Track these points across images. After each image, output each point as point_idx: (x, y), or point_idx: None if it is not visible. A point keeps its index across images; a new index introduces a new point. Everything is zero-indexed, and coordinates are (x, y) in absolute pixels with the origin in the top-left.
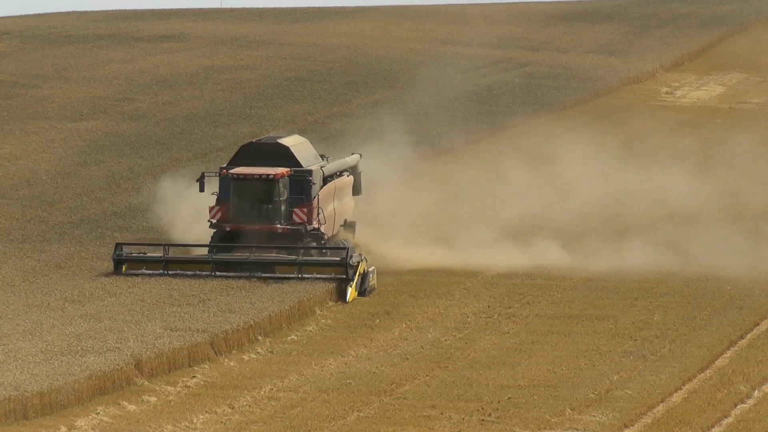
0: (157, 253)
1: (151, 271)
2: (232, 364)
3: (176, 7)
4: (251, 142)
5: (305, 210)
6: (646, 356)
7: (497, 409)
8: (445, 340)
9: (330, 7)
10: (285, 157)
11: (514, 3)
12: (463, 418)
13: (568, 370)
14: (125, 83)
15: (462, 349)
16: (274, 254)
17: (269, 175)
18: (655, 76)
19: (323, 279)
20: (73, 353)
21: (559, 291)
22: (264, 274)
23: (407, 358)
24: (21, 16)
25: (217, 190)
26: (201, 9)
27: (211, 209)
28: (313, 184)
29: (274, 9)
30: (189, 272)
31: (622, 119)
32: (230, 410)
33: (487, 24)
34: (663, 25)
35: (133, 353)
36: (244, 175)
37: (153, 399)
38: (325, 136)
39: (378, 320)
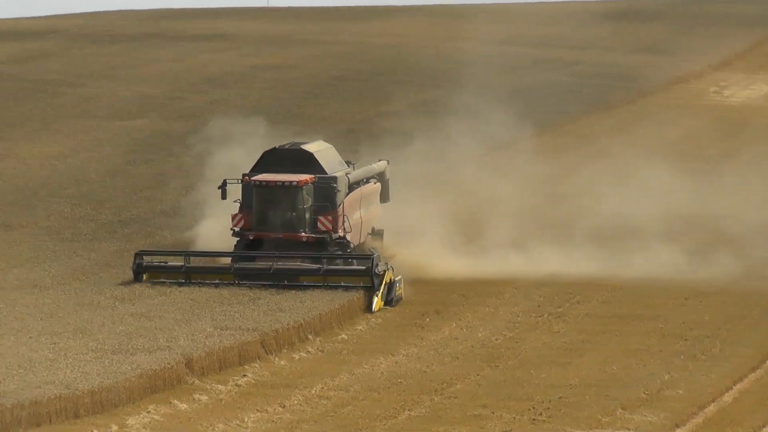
0: (179, 262)
1: (171, 281)
2: (282, 362)
3: (223, 6)
4: (274, 148)
5: (330, 218)
6: (697, 356)
7: (548, 409)
8: (496, 340)
9: (377, 7)
10: (309, 163)
11: (561, 2)
12: (514, 418)
13: (619, 369)
14: (173, 82)
15: (512, 349)
16: (298, 263)
17: (292, 182)
18: (703, 76)
19: (348, 288)
20: (123, 352)
21: (609, 290)
22: (288, 283)
23: (458, 358)
24: (68, 15)
25: (239, 197)
26: (248, 8)
27: (233, 217)
28: (338, 191)
29: (321, 8)
30: (211, 282)
31: (669, 118)
32: (281, 409)
33: (534, 23)
34: (711, 24)
35: (184, 352)
36: (267, 181)
37: (204, 398)
38: (372, 135)
39: (428, 319)
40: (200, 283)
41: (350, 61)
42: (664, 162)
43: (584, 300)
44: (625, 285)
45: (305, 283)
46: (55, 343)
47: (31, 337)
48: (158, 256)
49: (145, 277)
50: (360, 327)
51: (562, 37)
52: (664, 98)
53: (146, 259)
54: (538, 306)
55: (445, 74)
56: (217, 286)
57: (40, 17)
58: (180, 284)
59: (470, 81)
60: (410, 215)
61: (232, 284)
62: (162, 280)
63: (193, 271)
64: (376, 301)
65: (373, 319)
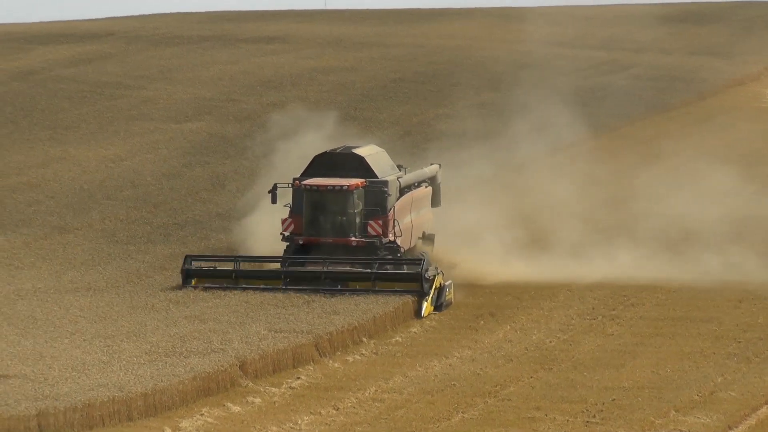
0: (228, 266)
1: (220, 285)
2: (336, 365)
3: (280, 8)
4: (325, 152)
5: (380, 222)
6: (750, 358)
7: (601, 411)
8: (549, 342)
9: (434, 9)
10: (360, 167)
11: (618, 5)
12: (568, 420)
13: (672, 372)
14: (229, 84)
15: (566, 351)
16: (347, 268)
17: (343, 186)
18: (760, 78)
19: (398, 293)
20: (177, 354)
21: (663, 293)
22: (337, 288)
23: (511, 360)
24: (126, 18)
25: (290, 201)
26: (305, 10)
27: (283, 221)
28: (389, 195)
29: (378, 10)
30: (261, 286)
31: (727, 121)
32: (335, 411)
33: (591, 26)
34: None
35: (238, 354)
36: (318, 186)
37: (257, 400)
38: (429, 138)
39: (482, 322)
40: (250, 287)
41: (408, 63)
42: (723, 165)
43: (638, 302)
44: (679, 287)
45: (355, 288)
46: (108, 346)
47: (84, 340)
48: (207, 261)
49: (194, 281)
50: (414, 329)
51: (620, 39)
52: (722, 101)
53: (195, 263)
54: (592, 309)
55: (503, 76)
56: (271, 290)
57: (97, 19)
58: (231, 288)
59: (528, 83)
60: (467, 219)
61: (281, 289)
62: (210, 284)
63: (242, 276)
64: (426, 306)
65: (427, 322)
